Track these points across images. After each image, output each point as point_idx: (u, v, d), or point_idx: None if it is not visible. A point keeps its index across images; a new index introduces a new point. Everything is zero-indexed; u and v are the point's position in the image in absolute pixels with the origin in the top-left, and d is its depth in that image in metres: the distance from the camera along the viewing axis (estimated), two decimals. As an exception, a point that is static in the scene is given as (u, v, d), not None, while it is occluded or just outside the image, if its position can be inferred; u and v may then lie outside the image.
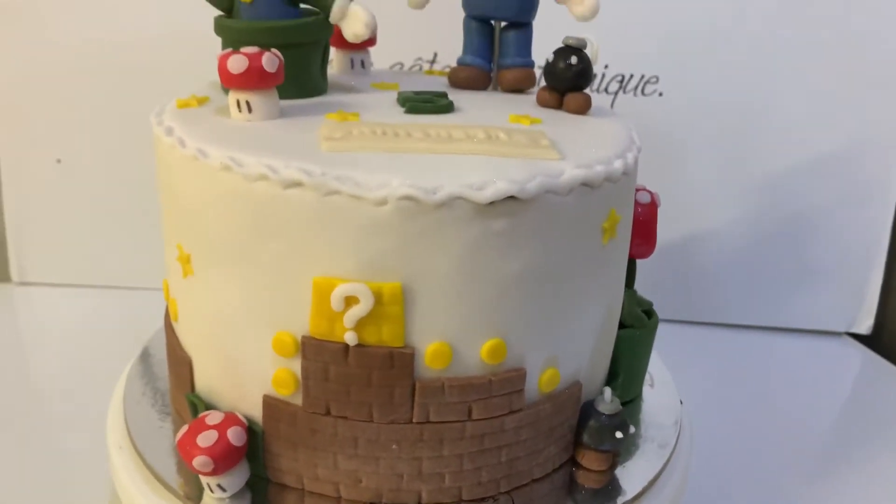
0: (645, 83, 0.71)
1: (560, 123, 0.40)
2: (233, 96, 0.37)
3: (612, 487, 0.39)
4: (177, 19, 0.67)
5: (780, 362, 0.73)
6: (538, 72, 0.47)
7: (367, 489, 0.36)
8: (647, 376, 0.48)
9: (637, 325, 0.45)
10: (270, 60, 0.36)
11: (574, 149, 0.36)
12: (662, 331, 0.47)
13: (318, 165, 0.32)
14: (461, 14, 0.46)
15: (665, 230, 0.47)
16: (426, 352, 0.34)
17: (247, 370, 0.37)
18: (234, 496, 0.37)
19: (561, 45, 0.43)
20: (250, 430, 0.37)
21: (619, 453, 0.40)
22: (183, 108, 0.39)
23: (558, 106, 0.43)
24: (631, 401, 0.46)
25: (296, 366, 0.35)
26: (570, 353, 0.38)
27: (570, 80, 0.42)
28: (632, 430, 0.39)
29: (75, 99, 0.71)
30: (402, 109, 0.41)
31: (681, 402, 0.47)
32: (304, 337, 0.34)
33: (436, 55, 0.70)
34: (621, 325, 0.44)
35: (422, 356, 0.34)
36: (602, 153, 0.36)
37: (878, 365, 0.74)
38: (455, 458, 0.36)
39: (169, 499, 0.38)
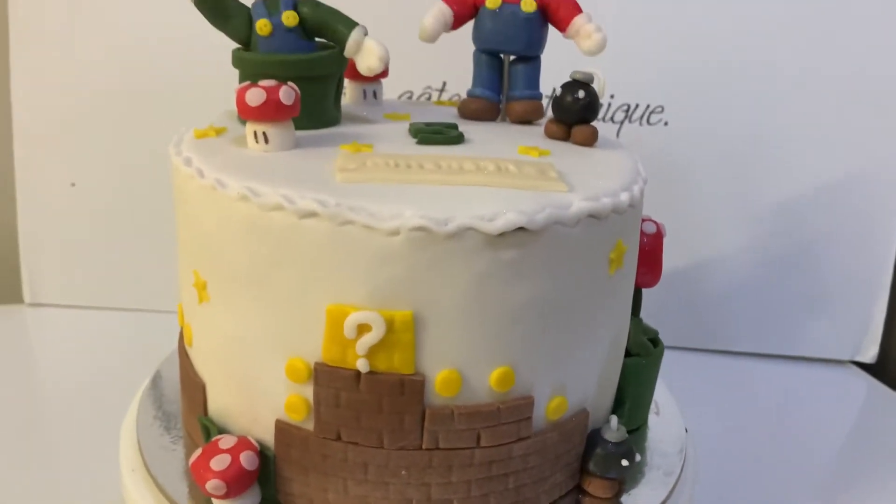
0: (650, 113, 0.72)
1: (568, 155, 0.41)
2: (250, 127, 0.38)
3: (618, 515, 0.40)
4: (193, 48, 0.68)
5: (785, 390, 0.73)
6: (546, 101, 0.48)
7: (376, 514, 0.37)
8: (652, 404, 0.48)
9: (643, 354, 0.45)
10: (287, 93, 0.37)
11: (582, 181, 0.37)
12: (668, 358, 0.47)
13: (332, 196, 0.33)
14: (470, 44, 0.47)
15: (670, 258, 0.47)
16: (436, 379, 0.35)
17: (260, 395, 0.37)
18: (245, 519, 0.37)
19: (569, 78, 0.44)
20: (262, 454, 0.37)
21: (625, 481, 0.40)
22: (201, 137, 0.40)
23: (566, 138, 0.44)
24: (637, 429, 0.46)
25: (308, 392, 0.35)
26: (577, 382, 0.38)
27: (577, 113, 0.43)
28: (638, 458, 0.40)
29: (90, 123, 0.73)
30: (414, 140, 0.41)
31: (686, 430, 0.47)
32: (316, 363, 0.35)
33: (444, 84, 0.71)
34: (627, 354, 0.44)
35: (432, 383, 0.35)
36: (609, 185, 0.37)
37: (883, 394, 0.74)
38: (463, 485, 0.37)
39: (181, 522, 0.38)
